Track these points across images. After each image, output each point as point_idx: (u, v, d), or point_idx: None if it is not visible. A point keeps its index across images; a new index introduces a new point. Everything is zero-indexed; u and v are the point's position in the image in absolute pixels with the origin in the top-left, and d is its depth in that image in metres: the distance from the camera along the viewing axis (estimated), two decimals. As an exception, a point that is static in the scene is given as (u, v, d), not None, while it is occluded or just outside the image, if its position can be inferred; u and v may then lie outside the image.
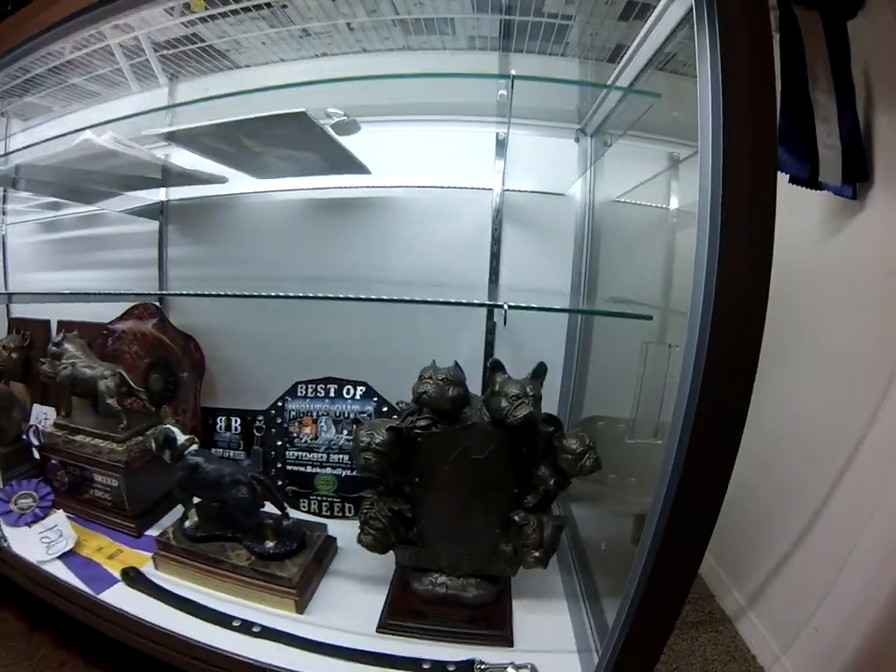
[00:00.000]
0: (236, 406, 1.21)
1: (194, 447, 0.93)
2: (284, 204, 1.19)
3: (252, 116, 0.73)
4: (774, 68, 0.48)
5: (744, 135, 0.47)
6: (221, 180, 1.09)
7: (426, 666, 0.75)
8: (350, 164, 0.97)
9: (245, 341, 1.26)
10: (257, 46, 1.10)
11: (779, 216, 0.46)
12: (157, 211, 1.24)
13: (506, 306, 0.69)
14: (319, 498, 1.10)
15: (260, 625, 0.82)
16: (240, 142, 0.83)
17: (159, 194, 1.24)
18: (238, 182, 1.15)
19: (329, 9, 0.98)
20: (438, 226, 1.15)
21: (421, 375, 0.78)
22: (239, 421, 1.17)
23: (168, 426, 0.94)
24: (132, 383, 1.08)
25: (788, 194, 0.53)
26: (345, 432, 1.08)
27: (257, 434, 1.15)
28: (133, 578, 0.92)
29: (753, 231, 0.47)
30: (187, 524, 0.94)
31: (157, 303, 1.25)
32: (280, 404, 1.13)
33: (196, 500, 0.96)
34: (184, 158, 1.05)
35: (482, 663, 0.75)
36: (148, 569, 0.94)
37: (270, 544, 0.89)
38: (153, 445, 0.94)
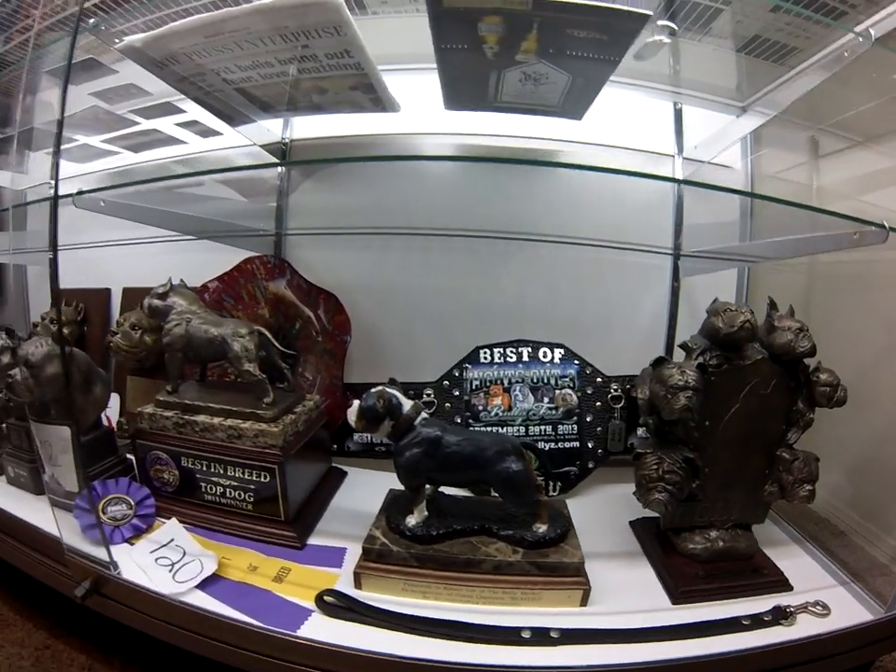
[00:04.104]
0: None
1: (424, 415, 0.71)
2: (437, 150, 1.04)
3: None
4: None
5: None
6: (394, 108, 0.92)
7: (746, 622, 0.70)
8: (580, 104, 0.82)
9: (392, 304, 1.04)
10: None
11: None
12: (278, 150, 0.98)
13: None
14: (519, 479, 0.92)
15: (558, 629, 0.65)
16: (517, 40, 0.68)
17: (281, 130, 0.98)
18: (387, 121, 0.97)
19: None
20: (619, 188, 1.07)
21: (724, 308, 0.75)
22: (397, 397, 0.93)
23: (385, 388, 0.70)
24: (277, 345, 0.80)
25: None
26: (546, 400, 0.94)
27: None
28: (338, 605, 0.65)
29: None
30: (412, 521, 0.71)
31: (279, 256, 0.95)
32: (457, 373, 0.94)
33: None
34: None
35: (788, 606, 0.72)
36: (346, 590, 0.68)
37: (542, 528, 0.71)
38: (356, 418, 0.67)
